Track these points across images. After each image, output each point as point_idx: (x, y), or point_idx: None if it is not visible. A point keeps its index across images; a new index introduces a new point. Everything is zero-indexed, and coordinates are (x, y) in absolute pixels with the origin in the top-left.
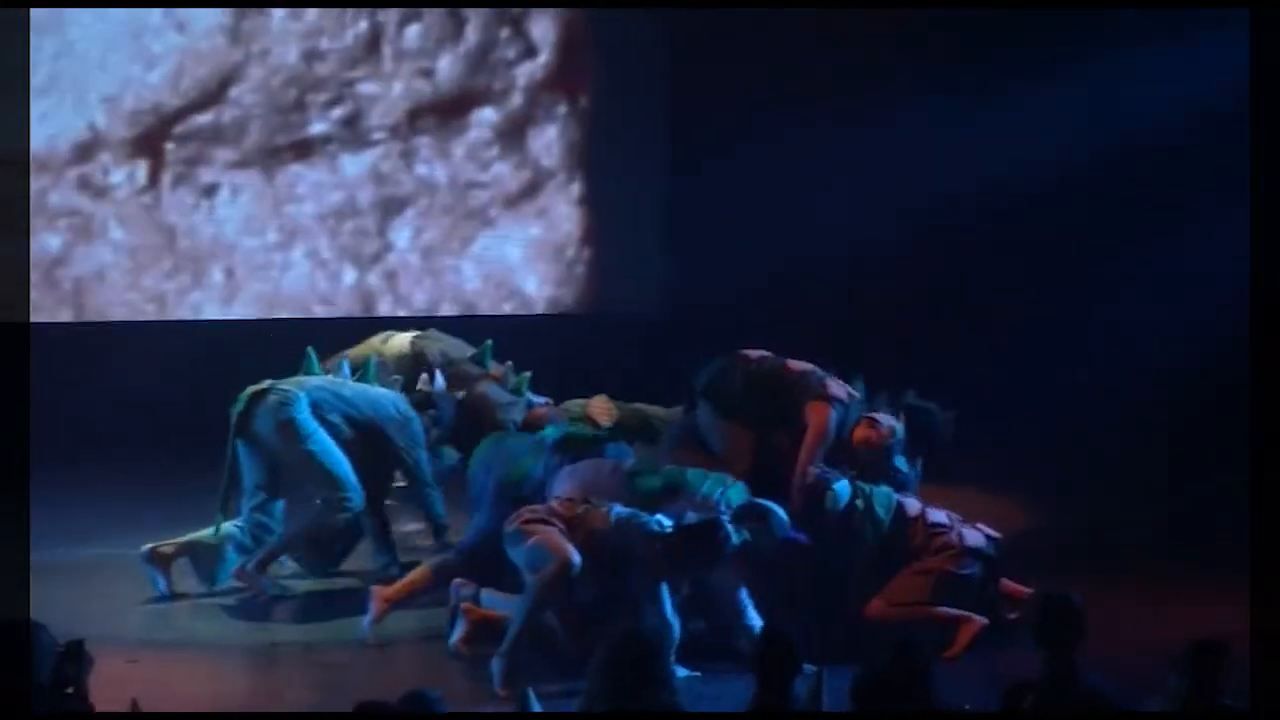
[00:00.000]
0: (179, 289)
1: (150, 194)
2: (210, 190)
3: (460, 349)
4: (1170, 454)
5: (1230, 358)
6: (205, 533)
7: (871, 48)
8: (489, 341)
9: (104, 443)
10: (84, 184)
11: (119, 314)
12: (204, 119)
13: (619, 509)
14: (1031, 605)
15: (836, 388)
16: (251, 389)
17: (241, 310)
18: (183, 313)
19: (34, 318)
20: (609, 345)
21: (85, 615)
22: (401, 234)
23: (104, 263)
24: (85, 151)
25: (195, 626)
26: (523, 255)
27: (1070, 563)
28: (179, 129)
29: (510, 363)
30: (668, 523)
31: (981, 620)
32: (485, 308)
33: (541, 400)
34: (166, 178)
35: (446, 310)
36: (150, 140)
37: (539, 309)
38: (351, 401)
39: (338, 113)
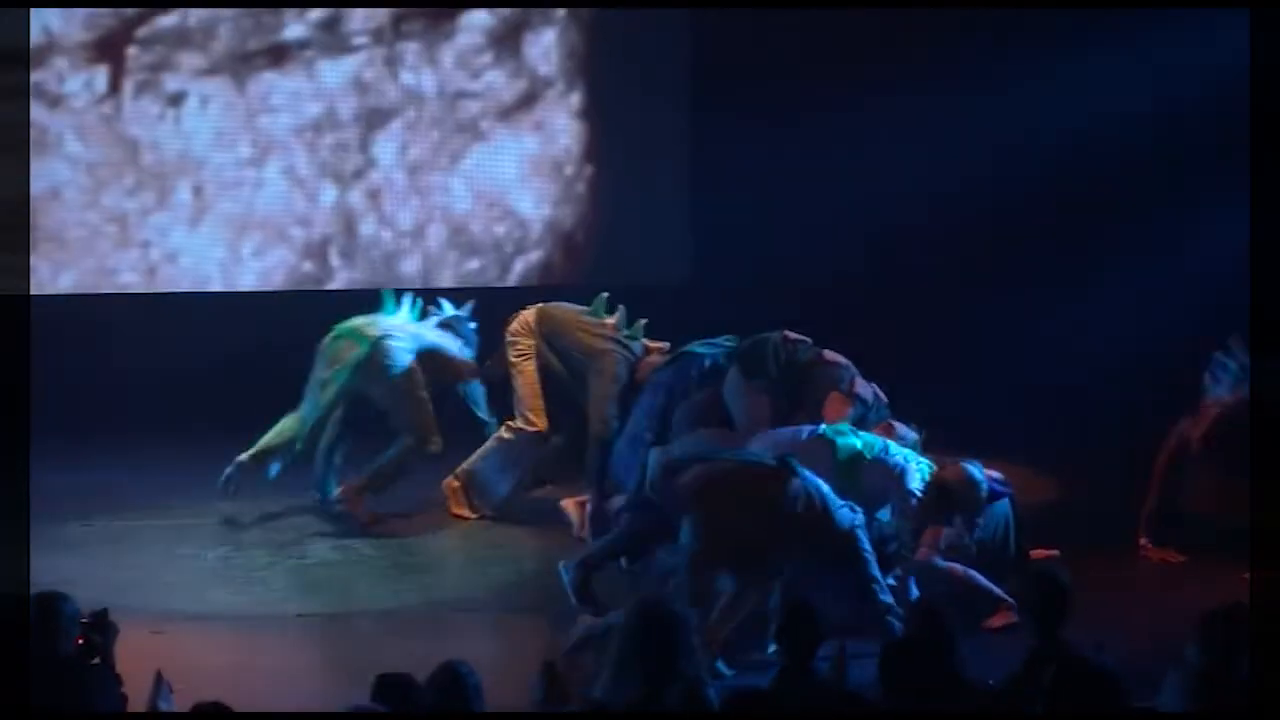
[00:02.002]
0: (142, 208)
1: (111, 103)
2: (177, 99)
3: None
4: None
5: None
6: (279, 439)
7: (894, 29)
8: (604, 294)
9: (111, 413)
10: (38, 93)
11: (76, 235)
12: (169, 21)
13: (824, 490)
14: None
15: (863, 388)
16: (359, 330)
17: (209, 232)
18: (146, 233)
19: None
20: (633, 316)
21: (110, 585)
22: (386, 149)
23: (60, 180)
24: (38, 57)
25: (220, 597)
26: (517, 172)
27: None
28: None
29: (622, 308)
30: (857, 513)
31: None
32: (476, 229)
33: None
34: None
35: (434, 232)
36: (111, 44)
37: (535, 230)
38: (431, 349)
39: (315, 15)
